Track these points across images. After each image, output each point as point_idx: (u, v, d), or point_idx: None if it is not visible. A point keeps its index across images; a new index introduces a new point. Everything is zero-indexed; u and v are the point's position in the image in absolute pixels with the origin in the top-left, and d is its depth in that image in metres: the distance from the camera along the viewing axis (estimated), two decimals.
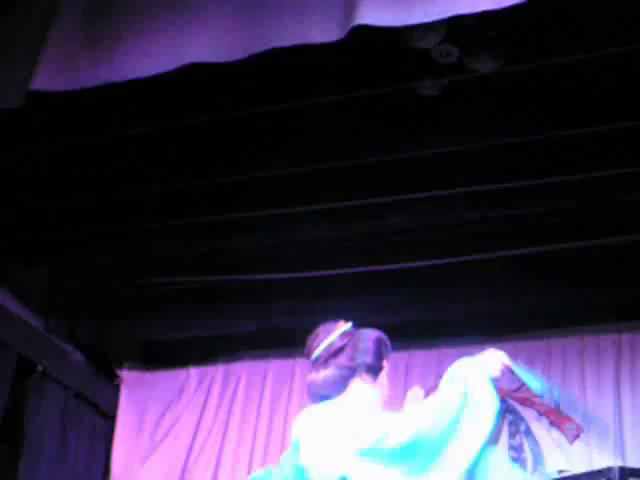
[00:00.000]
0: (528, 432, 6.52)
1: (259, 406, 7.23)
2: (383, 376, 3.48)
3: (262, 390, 7.29)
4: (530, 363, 6.70)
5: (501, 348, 6.78)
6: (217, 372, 7.49)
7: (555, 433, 6.47)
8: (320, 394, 3.40)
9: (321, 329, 3.52)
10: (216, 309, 6.92)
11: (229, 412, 7.30)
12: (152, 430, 7.42)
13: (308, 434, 3.27)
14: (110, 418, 7.45)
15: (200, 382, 7.50)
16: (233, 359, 7.46)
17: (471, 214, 5.82)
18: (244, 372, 7.41)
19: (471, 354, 6.78)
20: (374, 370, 3.45)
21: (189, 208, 5.97)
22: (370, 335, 3.53)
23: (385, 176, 5.58)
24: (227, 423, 7.26)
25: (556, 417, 6.50)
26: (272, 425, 7.13)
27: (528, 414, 6.58)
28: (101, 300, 7.10)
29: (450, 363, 6.91)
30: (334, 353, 3.41)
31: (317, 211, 5.91)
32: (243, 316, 6.89)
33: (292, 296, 6.67)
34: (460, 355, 6.86)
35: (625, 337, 6.63)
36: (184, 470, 7.20)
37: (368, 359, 3.44)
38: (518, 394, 6.64)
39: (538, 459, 6.41)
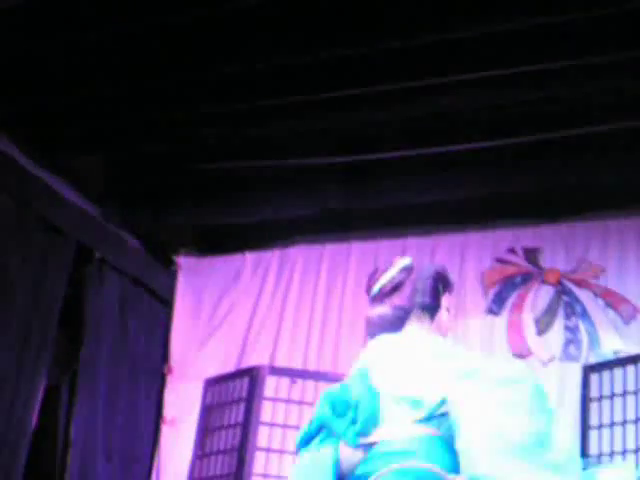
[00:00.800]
0: (584, 313, 6.50)
1: (315, 290, 7.27)
2: (442, 314, 3.34)
3: (318, 274, 7.32)
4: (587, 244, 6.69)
5: (555, 230, 6.79)
6: (273, 257, 7.53)
7: (611, 314, 6.45)
8: (375, 332, 3.32)
9: (381, 265, 3.46)
10: (271, 194, 6.91)
11: (285, 297, 7.35)
12: (209, 315, 7.51)
13: (383, 363, 3.21)
14: (167, 304, 7.56)
15: (256, 267, 7.55)
16: (289, 244, 7.49)
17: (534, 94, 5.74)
18: (300, 257, 7.44)
19: (526, 236, 6.78)
20: (431, 310, 3.31)
21: (240, 94, 5.93)
22: (427, 272, 3.37)
23: (440, 57, 5.50)
24: (283, 308, 7.32)
25: (612, 298, 6.48)
26: (328, 309, 7.17)
27: (584, 295, 6.55)
28: (157, 187, 7.12)
29: (505, 245, 6.92)
30: (391, 290, 3.32)
31: (367, 94, 5.84)
32: (298, 201, 6.88)
33: (347, 180, 6.65)
34: (515, 237, 6.88)
35: None
36: (241, 354, 7.30)
37: (424, 299, 3.31)
38: (574, 275, 6.62)
39: (594, 340, 6.41)
